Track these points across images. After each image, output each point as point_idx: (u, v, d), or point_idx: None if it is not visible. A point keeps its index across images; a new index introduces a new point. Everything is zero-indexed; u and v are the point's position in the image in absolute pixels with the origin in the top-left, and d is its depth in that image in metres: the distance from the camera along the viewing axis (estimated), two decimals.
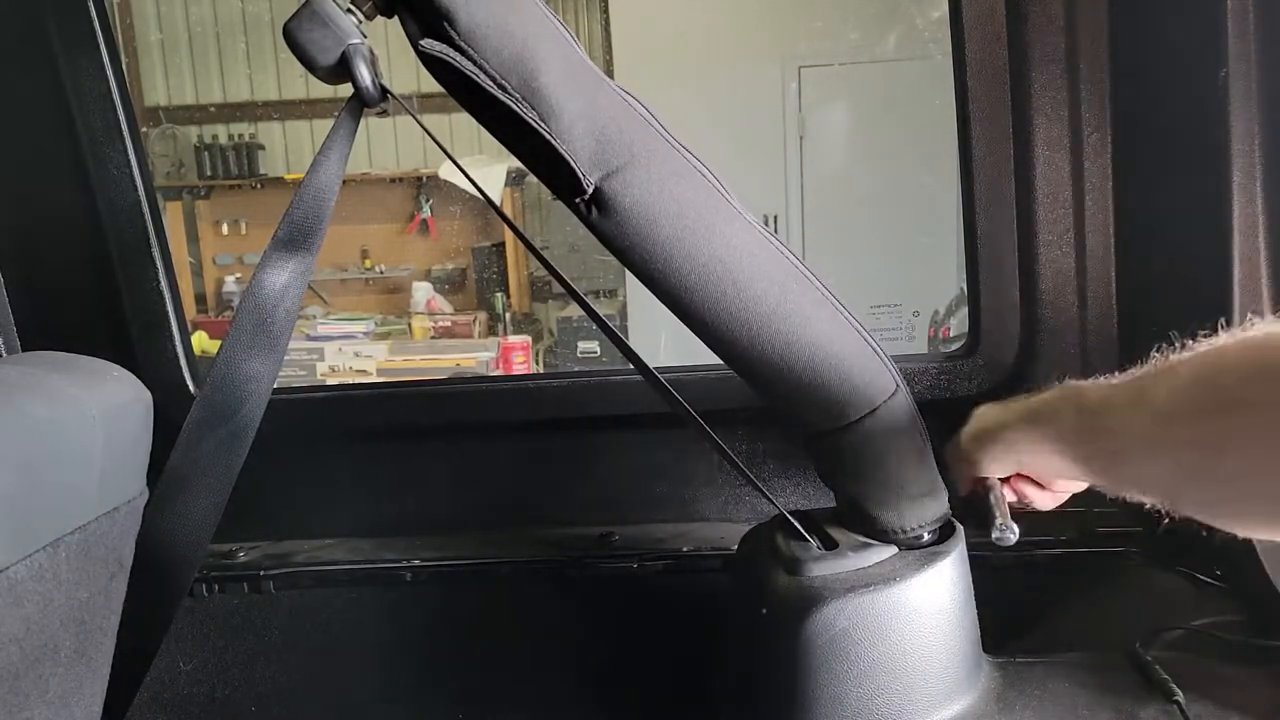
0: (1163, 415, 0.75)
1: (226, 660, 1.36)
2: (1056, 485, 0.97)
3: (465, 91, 0.79)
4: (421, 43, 0.78)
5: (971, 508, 1.01)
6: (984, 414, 0.98)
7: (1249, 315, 0.75)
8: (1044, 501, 0.98)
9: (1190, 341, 0.77)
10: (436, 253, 6.44)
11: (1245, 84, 1.02)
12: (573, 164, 0.79)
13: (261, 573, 1.33)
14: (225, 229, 6.50)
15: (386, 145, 6.19)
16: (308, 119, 6.36)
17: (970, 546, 0.95)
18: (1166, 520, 0.80)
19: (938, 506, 0.94)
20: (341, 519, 1.43)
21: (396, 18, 0.81)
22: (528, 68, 0.78)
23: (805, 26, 5.03)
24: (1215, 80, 1.02)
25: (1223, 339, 0.74)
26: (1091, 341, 1.26)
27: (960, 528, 0.96)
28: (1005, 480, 0.97)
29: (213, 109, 6.53)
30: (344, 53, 0.79)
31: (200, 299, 6.50)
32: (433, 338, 5.70)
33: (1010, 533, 0.91)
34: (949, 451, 1.00)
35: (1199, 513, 0.76)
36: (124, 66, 1.35)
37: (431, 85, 0.81)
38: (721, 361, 0.90)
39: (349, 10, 0.80)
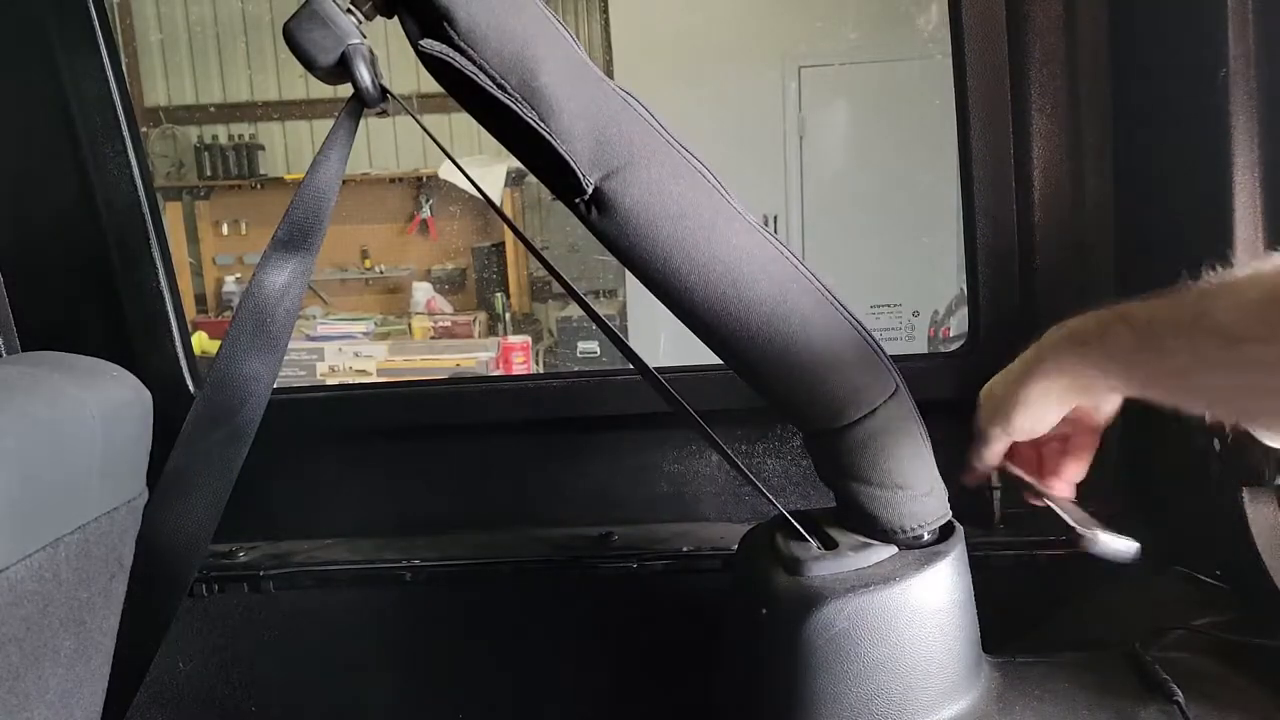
0: (1233, 335, 0.73)
1: (226, 660, 1.36)
2: (1089, 439, 0.96)
3: (465, 91, 0.79)
4: (421, 43, 0.78)
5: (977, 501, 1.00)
6: (1001, 377, 0.96)
7: None
8: (1076, 472, 0.97)
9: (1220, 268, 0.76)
10: (436, 253, 6.45)
11: (1245, 84, 1.02)
12: (572, 164, 0.79)
13: (261, 573, 1.33)
14: (225, 229, 6.51)
15: (386, 145, 6.19)
16: (308, 119, 6.37)
17: (970, 546, 0.95)
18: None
19: (938, 506, 0.94)
20: (341, 519, 1.43)
21: (396, 18, 0.81)
22: (527, 67, 0.78)
23: (805, 26, 5.03)
24: (1215, 80, 1.02)
25: None
26: None
27: (960, 528, 0.96)
28: (1038, 449, 0.97)
29: (213, 109, 6.54)
30: (344, 53, 0.79)
31: (200, 299, 6.51)
32: (433, 338, 5.70)
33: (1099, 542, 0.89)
34: (980, 418, 0.96)
35: (1266, 429, 0.76)
36: (124, 66, 1.35)
37: (431, 85, 0.81)
38: (721, 361, 0.90)
39: (349, 10, 0.80)
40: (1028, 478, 0.99)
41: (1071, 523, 0.91)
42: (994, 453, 0.96)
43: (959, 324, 3.89)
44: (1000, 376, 0.96)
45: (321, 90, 1.01)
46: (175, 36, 6.47)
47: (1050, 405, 0.90)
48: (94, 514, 0.91)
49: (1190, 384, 0.81)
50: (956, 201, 1.39)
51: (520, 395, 1.42)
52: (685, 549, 1.30)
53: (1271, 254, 0.76)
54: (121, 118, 1.31)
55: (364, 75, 0.80)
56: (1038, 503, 0.99)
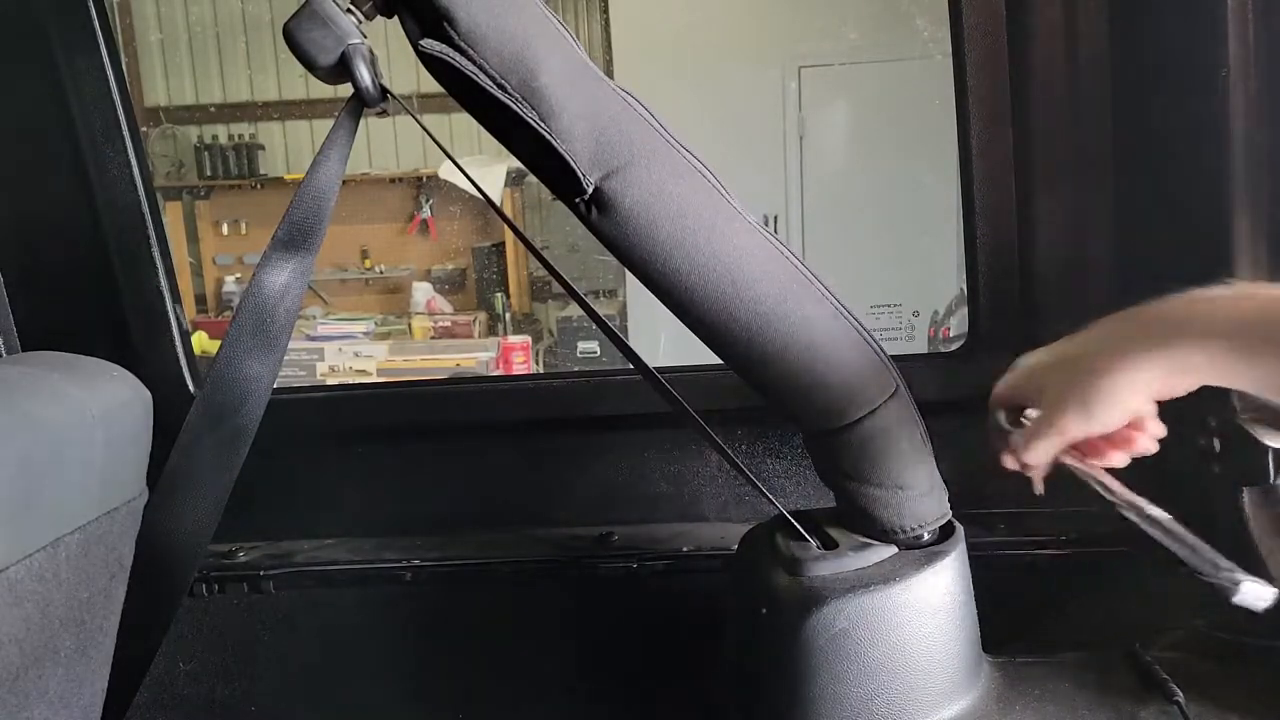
0: None
1: (226, 660, 1.36)
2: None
3: (465, 91, 0.79)
4: (421, 43, 0.78)
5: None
6: (1061, 364, 0.83)
7: None
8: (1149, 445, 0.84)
9: None
10: (436, 253, 6.44)
11: (1245, 84, 1.02)
12: (573, 164, 0.79)
13: (261, 573, 1.33)
14: (225, 229, 6.50)
15: (386, 145, 6.19)
16: (308, 119, 6.36)
17: (970, 546, 0.95)
18: None
19: (938, 506, 0.94)
20: (341, 519, 1.43)
21: (396, 18, 0.81)
22: (527, 68, 0.78)
23: (805, 26, 5.03)
24: (1215, 80, 1.02)
25: None
26: None
27: (960, 528, 0.96)
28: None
29: (213, 109, 6.54)
30: (344, 53, 0.80)
31: (200, 299, 6.50)
32: (433, 338, 5.70)
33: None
34: (1045, 406, 0.81)
35: None
36: (124, 66, 1.36)
37: (431, 85, 0.81)
38: (721, 361, 0.90)
39: (349, 10, 0.80)
40: (1128, 495, 0.85)
41: (1208, 564, 0.81)
42: (1058, 447, 0.83)
43: (959, 324, 3.89)
44: (1059, 363, 0.83)
45: (321, 90, 1.01)
46: (175, 36, 6.47)
47: (1137, 395, 0.79)
48: (94, 514, 0.91)
49: None
50: (956, 201, 1.39)
51: (520, 395, 1.42)
52: (685, 549, 1.30)
53: None
54: (121, 118, 1.31)
55: (364, 75, 0.81)
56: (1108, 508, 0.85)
